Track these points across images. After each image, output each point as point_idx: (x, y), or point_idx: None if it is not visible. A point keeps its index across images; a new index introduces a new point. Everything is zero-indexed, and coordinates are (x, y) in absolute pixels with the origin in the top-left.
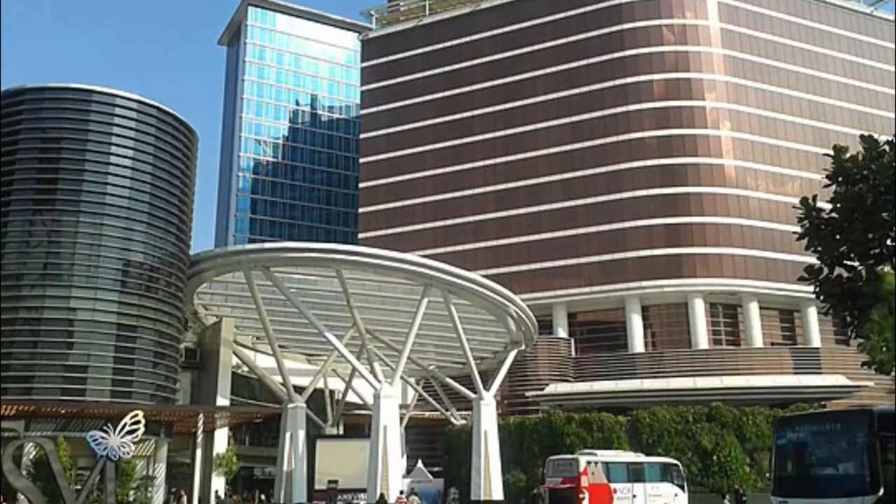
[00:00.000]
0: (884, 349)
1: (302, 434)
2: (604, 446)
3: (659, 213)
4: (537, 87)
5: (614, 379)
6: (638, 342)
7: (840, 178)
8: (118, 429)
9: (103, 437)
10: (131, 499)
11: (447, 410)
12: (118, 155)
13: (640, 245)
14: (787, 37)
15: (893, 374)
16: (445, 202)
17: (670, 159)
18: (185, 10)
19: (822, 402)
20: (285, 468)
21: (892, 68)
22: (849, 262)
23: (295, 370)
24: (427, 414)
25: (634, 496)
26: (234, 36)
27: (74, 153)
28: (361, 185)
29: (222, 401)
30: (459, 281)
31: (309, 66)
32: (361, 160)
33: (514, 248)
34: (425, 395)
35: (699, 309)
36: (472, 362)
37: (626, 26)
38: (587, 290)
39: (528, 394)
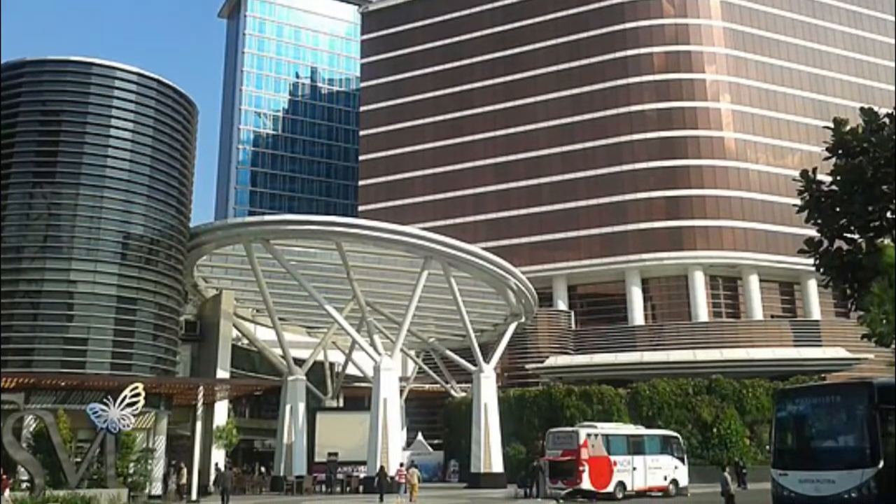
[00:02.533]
0: (884, 322)
1: (302, 406)
2: (604, 419)
3: (659, 185)
4: (537, 59)
5: (614, 351)
6: (638, 315)
7: (840, 151)
8: (118, 401)
9: (103, 410)
10: (131, 471)
11: (447, 383)
12: (118, 127)
13: (640, 217)
14: (787, 9)
15: (893, 346)
16: (445, 175)
17: (670, 132)
18: None
19: (822, 375)
20: (285, 441)
21: (892, 41)
22: (849, 235)
23: (295, 343)
24: (427, 386)
25: (634, 468)
26: (234, 8)
27: (74, 126)
28: (361, 157)
29: (222, 373)
30: (459, 253)
31: (309, 39)
32: (361, 133)
33: (515, 221)
34: (425, 367)
35: (699, 281)
36: (472, 335)
37: None
38: (587, 262)
39: (528, 366)
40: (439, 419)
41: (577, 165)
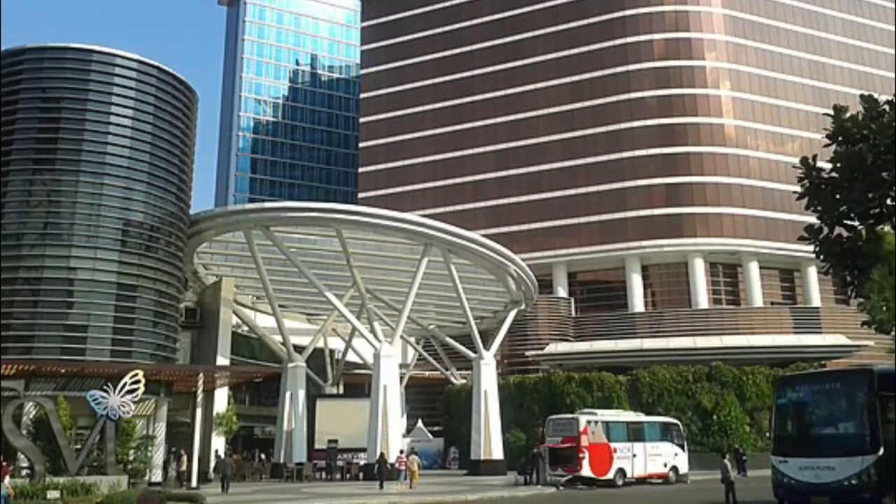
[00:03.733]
0: (884, 309)
1: (302, 393)
2: (604, 406)
3: (659, 172)
4: (537, 46)
5: (614, 338)
6: (638, 302)
7: (840, 138)
8: (118, 388)
9: (103, 397)
10: (131, 458)
11: (447, 370)
12: (118, 115)
13: (640, 205)
14: None
15: (893, 333)
16: (445, 162)
17: (670, 119)
18: None
19: (822, 362)
20: (285, 428)
21: (892, 28)
22: (849, 222)
23: (295, 330)
24: (427, 373)
25: (634, 455)
26: None
27: (74, 113)
28: (361, 144)
29: (222, 360)
30: (459, 240)
31: (309, 26)
32: (361, 120)
33: (514, 208)
34: (425, 354)
35: (699, 268)
36: (472, 322)
37: None
38: (587, 249)
39: (528, 353)
40: (439, 406)
41: (577, 152)
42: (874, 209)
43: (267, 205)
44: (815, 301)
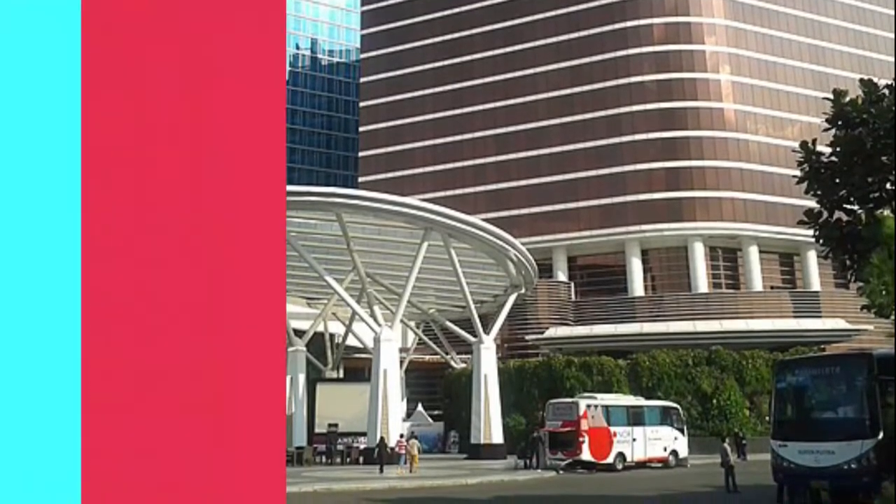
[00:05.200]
0: (883, 293)
1: (302, 378)
2: (604, 390)
3: (659, 156)
4: (537, 30)
5: (614, 322)
6: (638, 286)
7: (840, 122)
8: None
9: None
10: None
11: (447, 354)
12: None
13: (639, 189)
14: None
15: (893, 317)
16: (445, 146)
17: (670, 103)
18: None
19: (822, 346)
20: (285, 412)
21: (892, 12)
22: (848, 206)
23: (295, 314)
24: (427, 357)
25: (634, 440)
26: None
27: None
28: (361, 128)
29: None
30: (459, 225)
31: (309, 10)
32: (361, 104)
33: (514, 192)
34: (425, 338)
35: (699, 252)
36: (472, 306)
37: None
38: (587, 233)
39: (527, 337)
40: (439, 390)
41: (576, 137)
42: (874, 193)
43: None
44: (815, 285)
